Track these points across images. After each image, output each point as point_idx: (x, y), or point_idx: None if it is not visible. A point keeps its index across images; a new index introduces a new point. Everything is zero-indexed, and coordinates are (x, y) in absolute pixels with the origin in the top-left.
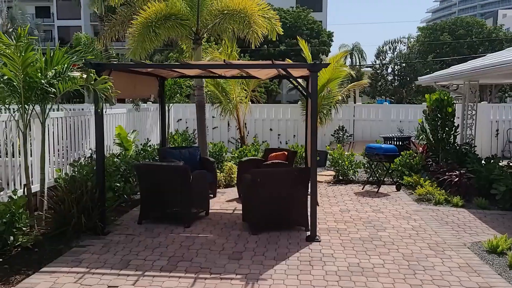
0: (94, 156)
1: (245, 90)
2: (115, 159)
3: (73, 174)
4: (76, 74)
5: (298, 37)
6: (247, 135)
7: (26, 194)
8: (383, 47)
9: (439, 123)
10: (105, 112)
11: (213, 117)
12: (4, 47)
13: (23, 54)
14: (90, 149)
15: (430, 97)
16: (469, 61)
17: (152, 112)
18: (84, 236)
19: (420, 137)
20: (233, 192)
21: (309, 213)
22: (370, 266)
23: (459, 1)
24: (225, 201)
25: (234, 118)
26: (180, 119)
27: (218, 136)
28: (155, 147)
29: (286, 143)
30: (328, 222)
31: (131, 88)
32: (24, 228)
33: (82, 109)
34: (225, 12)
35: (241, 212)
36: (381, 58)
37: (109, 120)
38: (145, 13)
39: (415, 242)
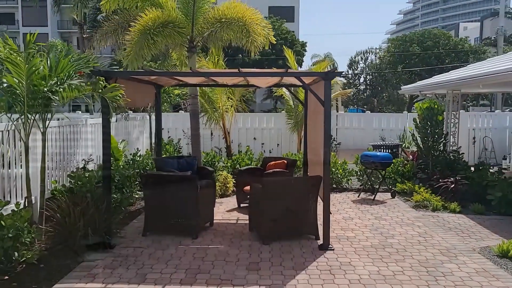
0: (88, 166)
1: (231, 99)
2: None
3: (71, 185)
4: (74, 82)
5: (284, 47)
6: (231, 144)
7: (28, 207)
8: (355, 57)
9: (429, 131)
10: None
11: None
12: (11, 54)
13: (30, 61)
14: (83, 159)
15: (421, 105)
16: (451, 72)
17: (138, 121)
18: (90, 250)
19: (403, 145)
20: (230, 202)
21: (318, 222)
22: (391, 273)
23: (422, 14)
24: (225, 211)
25: (220, 127)
26: (162, 128)
27: (201, 145)
28: (145, 156)
29: (270, 152)
30: (335, 230)
31: (132, 97)
32: (28, 243)
33: (60, 119)
34: (223, 20)
35: (245, 222)
36: (353, 68)
37: (99, 130)
38: (143, 20)
39: (426, 248)
